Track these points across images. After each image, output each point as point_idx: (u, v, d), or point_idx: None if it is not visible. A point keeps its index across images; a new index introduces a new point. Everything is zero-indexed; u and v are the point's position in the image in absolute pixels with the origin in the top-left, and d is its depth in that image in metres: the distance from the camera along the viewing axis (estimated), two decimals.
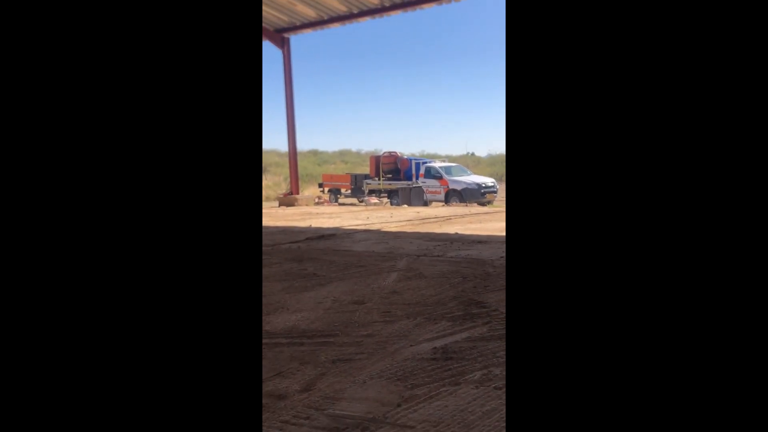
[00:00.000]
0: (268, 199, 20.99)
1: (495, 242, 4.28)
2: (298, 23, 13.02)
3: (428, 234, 5.10)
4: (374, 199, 16.82)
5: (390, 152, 18.75)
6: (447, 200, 16.10)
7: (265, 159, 32.31)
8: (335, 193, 19.02)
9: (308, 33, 13.43)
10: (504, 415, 1.15)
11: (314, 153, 36.09)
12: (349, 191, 18.83)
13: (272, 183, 25.79)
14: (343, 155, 36.27)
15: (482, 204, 15.31)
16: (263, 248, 4.18)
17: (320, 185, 19.81)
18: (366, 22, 12.29)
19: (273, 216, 8.70)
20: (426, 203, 16.01)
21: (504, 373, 1.40)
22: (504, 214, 8.27)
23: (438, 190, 16.67)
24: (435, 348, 1.63)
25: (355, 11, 12.28)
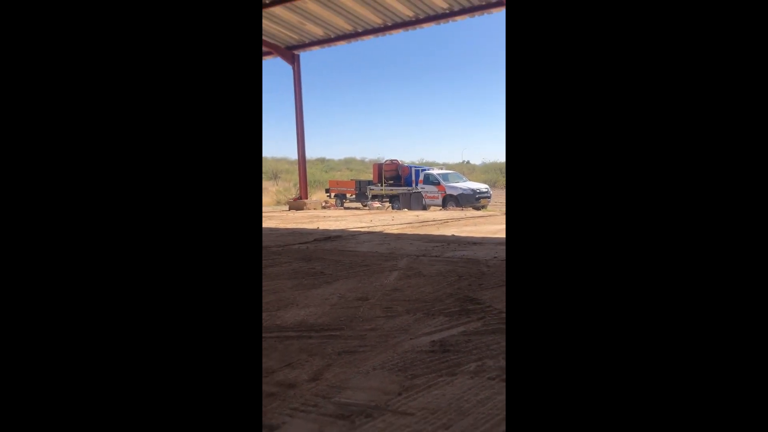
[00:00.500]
0: (279, 203, 20.98)
1: (489, 244, 4.27)
2: (307, 41, 13.06)
3: (427, 236, 5.09)
4: (377, 204, 16.82)
5: (392, 160, 18.77)
6: (444, 205, 16.11)
7: (276, 166, 32.32)
8: (341, 197, 19.03)
9: (316, 50, 13.47)
10: (497, 404, 1.14)
11: (322, 161, 36.13)
12: (354, 196, 18.84)
13: (283, 188, 25.81)
14: (348, 163, 36.29)
15: (477, 208, 15.29)
16: (274, 249, 4.18)
17: (327, 191, 19.83)
18: (370, 40, 12.33)
19: (283, 219, 8.70)
20: (425, 207, 16.02)
21: (497, 364, 1.40)
22: (497, 217, 8.25)
23: (436, 195, 16.68)
24: (433, 341, 1.63)
25: (360, 30, 12.30)
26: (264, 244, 4.56)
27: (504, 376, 1.30)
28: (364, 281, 2.68)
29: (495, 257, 3.41)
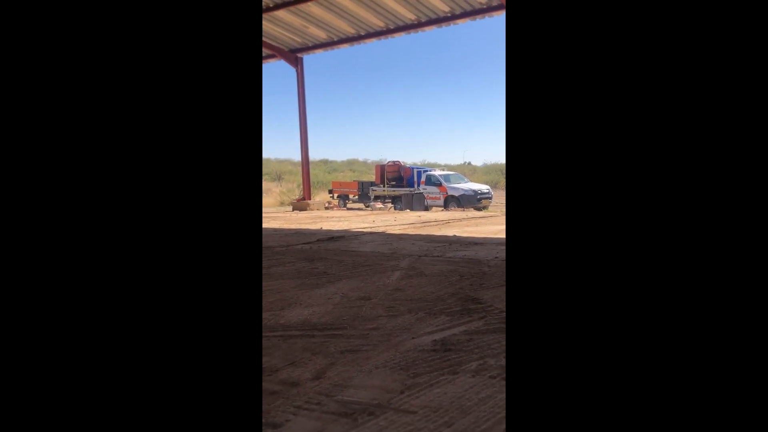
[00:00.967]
0: (283, 204, 20.99)
1: (490, 244, 4.26)
2: (310, 44, 13.08)
3: (429, 236, 5.09)
4: (379, 205, 16.83)
5: (394, 161, 18.78)
6: (446, 205, 16.11)
7: (280, 167, 32.36)
8: (344, 198, 19.04)
9: (320, 53, 13.49)
10: (498, 402, 1.14)
11: (325, 162, 36.14)
12: (357, 197, 18.85)
13: (286, 189, 25.83)
14: (351, 164, 36.30)
15: (478, 209, 15.28)
16: (278, 249, 4.18)
17: (330, 191, 19.84)
18: (372, 42, 12.35)
19: (287, 219, 8.71)
20: (427, 208, 16.02)
21: (498, 363, 1.40)
22: (498, 218, 8.24)
23: (438, 196, 16.67)
24: (435, 340, 1.63)
25: (363, 33, 12.31)
26: (268, 244, 4.56)
27: (505, 375, 1.30)
28: (366, 281, 2.68)
29: (496, 257, 3.41)
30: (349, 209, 15.88)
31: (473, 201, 15.77)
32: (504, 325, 1.77)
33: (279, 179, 29.96)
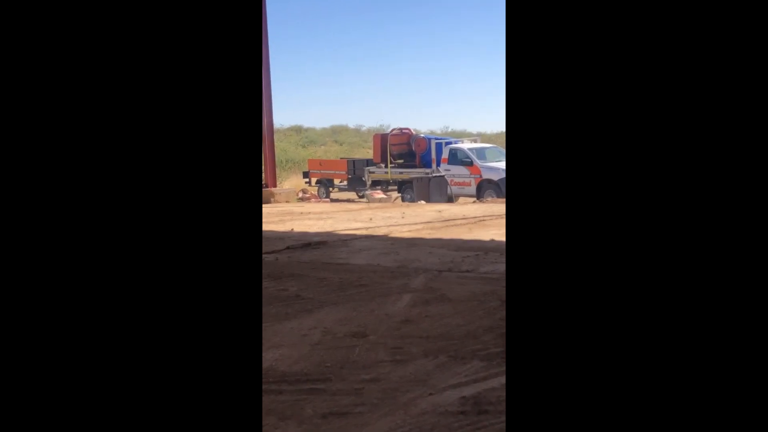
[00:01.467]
0: None
1: None
2: None
3: (454, 241, 5.11)
4: (379, 194, 16.77)
5: (402, 129, 18.65)
6: (479, 195, 15.99)
7: None
8: (326, 185, 18.92)
9: None
10: None
11: (297, 130, 36.03)
12: (345, 182, 18.72)
13: None
14: (336, 133, 36.24)
15: None
16: None
17: (305, 174, 19.71)
18: None
19: None
20: (450, 199, 15.94)
21: None
22: None
23: (467, 180, 16.52)
24: (464, 397, 1.63)
25: None
26: None
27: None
28: (360, 309, 2.69)
29: None
30: (333, 201, 15.91)
31: None
32: None
33: None
